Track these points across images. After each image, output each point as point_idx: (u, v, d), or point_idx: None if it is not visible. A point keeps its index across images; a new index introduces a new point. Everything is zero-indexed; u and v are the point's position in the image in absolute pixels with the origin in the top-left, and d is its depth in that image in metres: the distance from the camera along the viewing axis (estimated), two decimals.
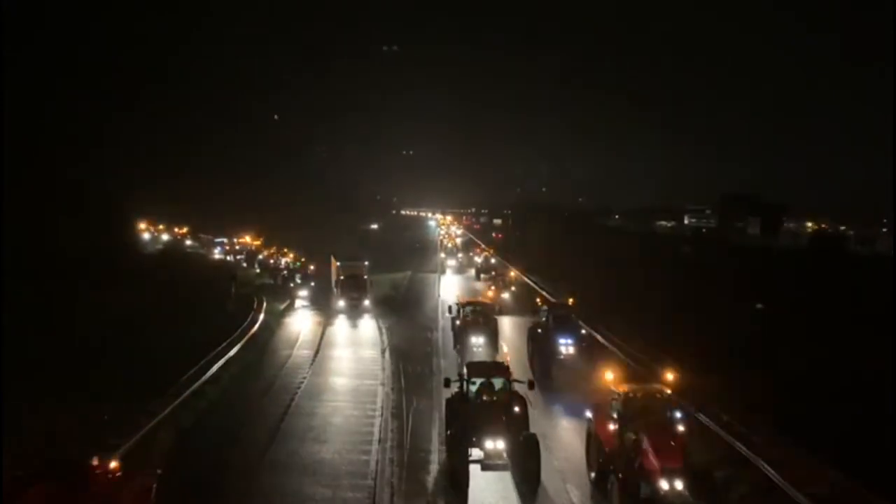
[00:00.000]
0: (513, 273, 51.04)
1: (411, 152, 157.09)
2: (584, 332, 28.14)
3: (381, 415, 21.29)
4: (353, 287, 41.38)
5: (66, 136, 47.85)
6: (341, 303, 40.98)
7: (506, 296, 42.85)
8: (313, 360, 29.22)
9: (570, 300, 32.58)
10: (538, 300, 37.16)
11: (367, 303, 41.16)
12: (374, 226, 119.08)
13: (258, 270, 61.79)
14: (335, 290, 42.59)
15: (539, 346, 26.80)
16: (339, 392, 24.65)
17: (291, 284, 48.77)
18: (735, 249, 63.92)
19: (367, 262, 44.98)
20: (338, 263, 44.54)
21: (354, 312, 40.28)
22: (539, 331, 27.71)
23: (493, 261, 58.97)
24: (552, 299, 38.44)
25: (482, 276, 54.66)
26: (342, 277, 42.27)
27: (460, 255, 66.93)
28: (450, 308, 31.57)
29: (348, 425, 20.65)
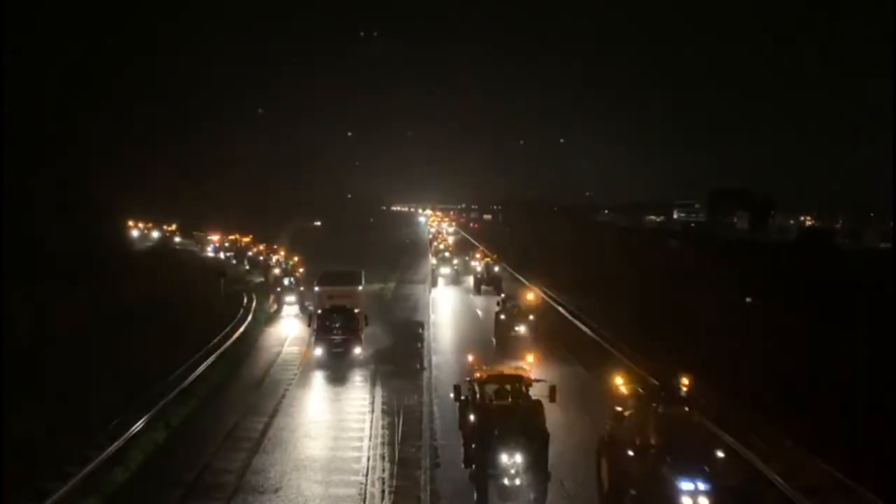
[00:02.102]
0: (531, 295, 33.97)
1: (376, 34, 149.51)
2: (721, 455, 13.56)
3: (372, 411, 21.28)
4: (340, 325, 27.83)
5: (49, 137, 47.57)
6: (318, 350, 27.65)
7: (521, 329, 29.20)
8: (304, 357, 29.25)
9: (684, 383, 14.83)
10: (620, 383, 15.91)
11: (357, 350, 27.78)
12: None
13: (247, 267, 61.75)
14: (313, 325, 29.18)
15: (636, 491, 13.10)
16: (328, 389, 24.63)
17: (279, 288, 42.09)
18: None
19: (361, 287, 31.84)
20: (317, 288, 31.40)
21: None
22: (630, 454, 13.67)
23: (496, 269, 48.12)
24: (649, 379, 20.25)
25: (482, 287, 46.30)
26: (320, 311, 28.92)
27: (456, 261, 57.35)
28: (455, 388, 17.62)
29: (339, 422, 20.64)
